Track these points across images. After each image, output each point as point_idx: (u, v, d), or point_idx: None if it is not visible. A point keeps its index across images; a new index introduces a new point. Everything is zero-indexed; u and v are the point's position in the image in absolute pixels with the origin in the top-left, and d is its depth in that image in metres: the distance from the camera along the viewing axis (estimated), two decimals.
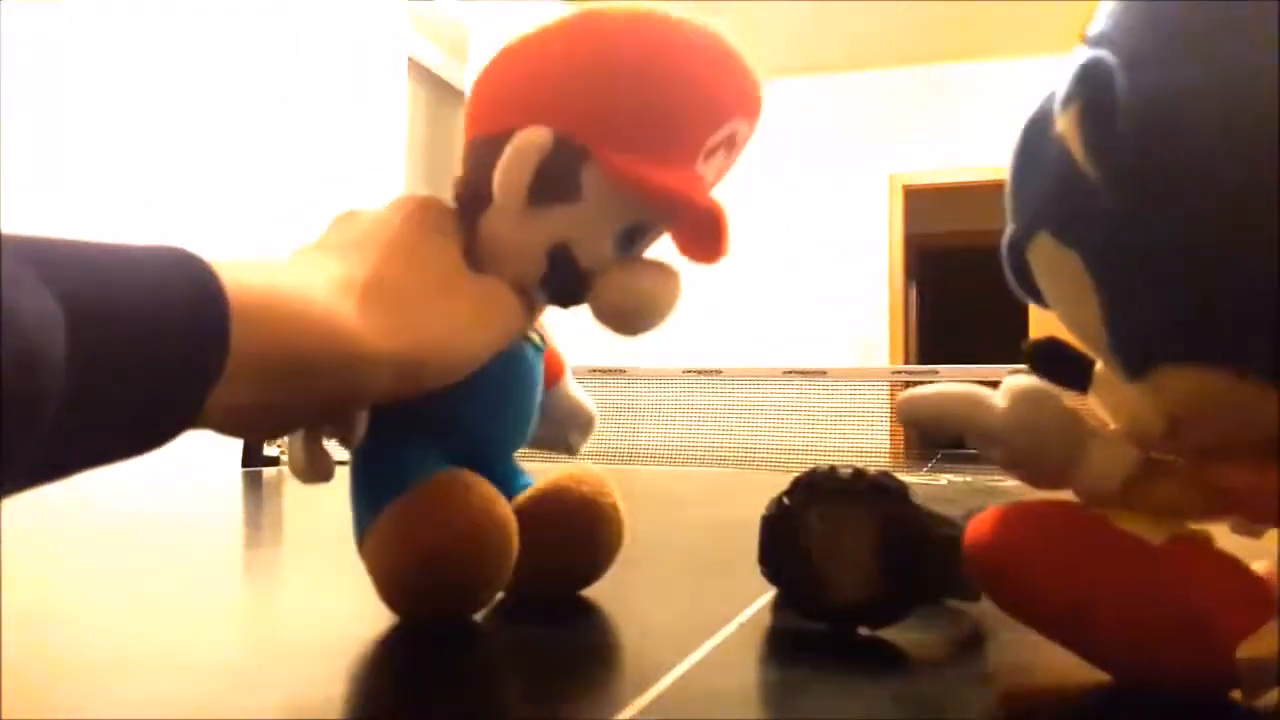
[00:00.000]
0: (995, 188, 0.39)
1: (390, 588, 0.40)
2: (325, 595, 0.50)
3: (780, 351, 5.02)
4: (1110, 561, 0.34)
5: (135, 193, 2.69)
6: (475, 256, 0.38)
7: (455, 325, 0.35)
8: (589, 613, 0.45)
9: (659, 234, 0.40)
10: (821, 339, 5.18)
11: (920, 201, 5.38)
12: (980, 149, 4.92)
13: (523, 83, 0.38)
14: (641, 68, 0.36)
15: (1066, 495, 0.37)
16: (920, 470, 2.04)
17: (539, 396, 0.47)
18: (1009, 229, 0.35)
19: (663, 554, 0.66)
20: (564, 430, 0.53)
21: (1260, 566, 0.35)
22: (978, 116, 5.01)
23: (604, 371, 3.53)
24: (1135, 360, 0.32)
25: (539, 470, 0.49)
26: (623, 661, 0.39)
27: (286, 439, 0.39)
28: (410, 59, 4.23)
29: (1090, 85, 0.29)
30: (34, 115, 2.40)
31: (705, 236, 0.37)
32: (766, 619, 0.44)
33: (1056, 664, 0.35)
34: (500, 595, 0.42)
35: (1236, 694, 0.31)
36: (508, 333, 0.38)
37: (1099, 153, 0.29)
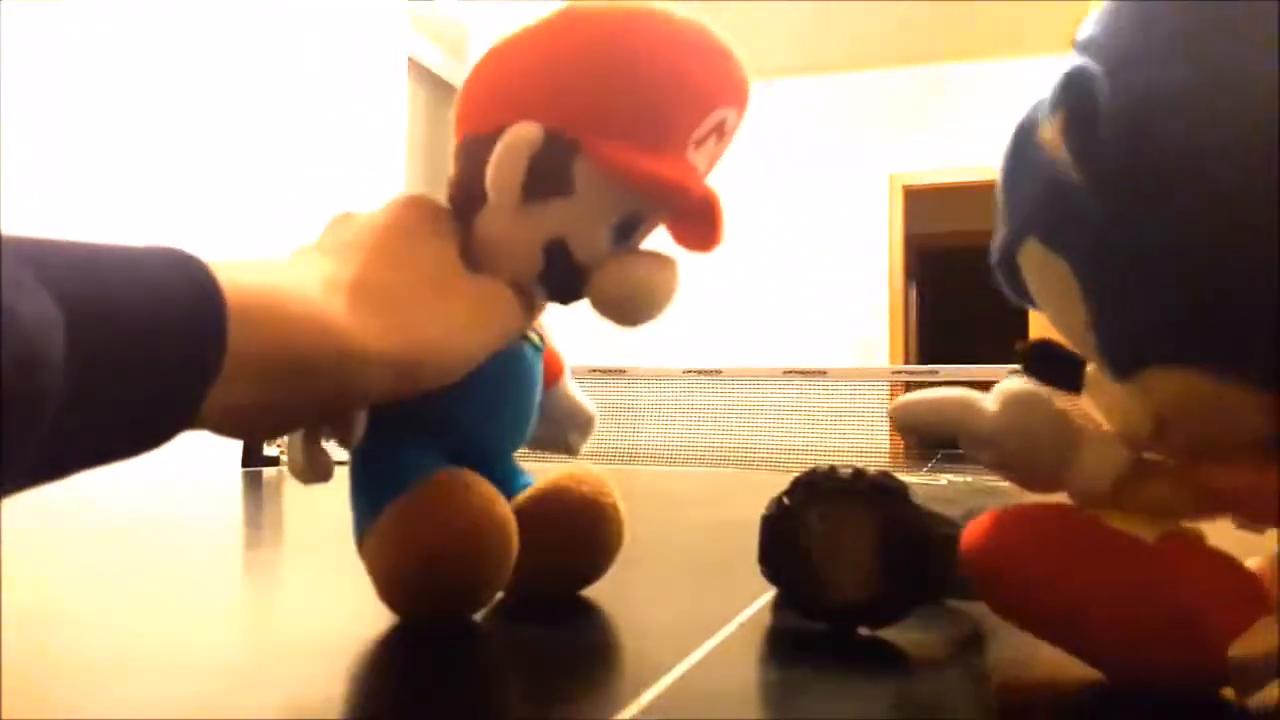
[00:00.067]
0: (995, 188, 0.39)
1: (390, 588, 0.40)
2: (325, 595, 0.50)
3: (780, 351, 5.02)
4: (1103, 562, 0.34)
5: (135, 193, 2.69)
6: (471, 256, 0.38)
7: (452, 325, 0.35)
8: (589, 613, 0.45)
9: (654, 225, 0.40)
10: (821, 339, 5.18)
11: (920, 201, 5.38)
12: (980, 149, 4.92)
13: (511, 80, 0.38)
14: (628, 59, 0.37)
15: (1061, 498, 0.37)
16: (920, 470, 2.04)
17: (538, 396, 0.47)
18: (999, 234, 0.36)
19: (663, 554, 0.66)
20: (563, 430, 0.53)
21: (1254, 563, 0.35)
22: (978, 116, 5.01)
23: (604, 371, 3.53)
24: (1122, 362, 0.33)
25: (539, 470, 0.49)
26: (623, 661, 0.39)
27: (286, 439, 0.39)
28: (410, 59, 4.23)
29: (1074, 94, 0.30)
30: (34, 115, 2.40)
31: (700, 225, 0.37)
32: (766, 619, 0.44)
33: (1056, 663, 0.35)
34: (500, 595, 0.42)
35: (1229, 692, 0.31)
36: (504, 333, 0.38)
37: (1084, 159, 0.30)
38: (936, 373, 3.44)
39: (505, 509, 0.40)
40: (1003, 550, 0.36)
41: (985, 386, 0.38)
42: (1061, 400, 0.36)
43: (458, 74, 4.60)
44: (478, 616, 0.42)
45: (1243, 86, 0.27)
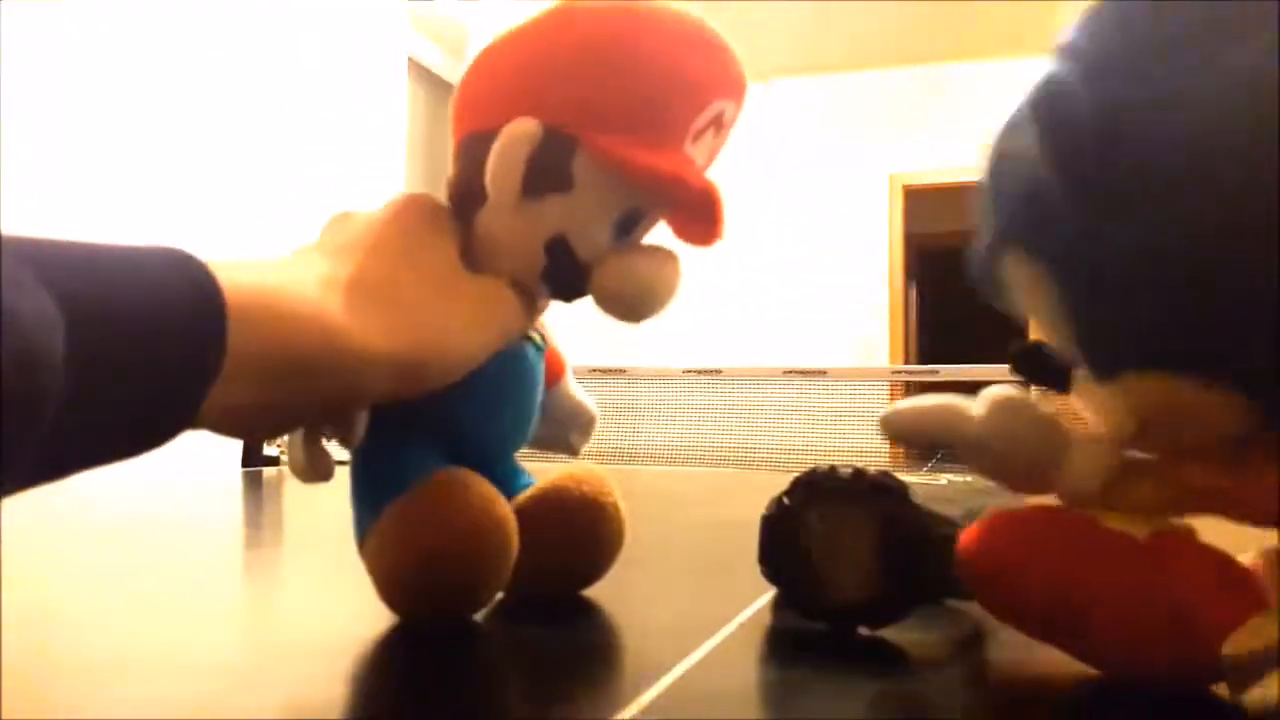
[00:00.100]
0: (977, 192, 0.39)
1: (390, 588, 0.40)
2: (325, 595, 0.50)
3: (780, 351, 5.03)
4: (1098, 561, 0.34)
5: (135, 193, 2.69)
6: (473, 255, 0.38)
7: (453, 325, 0.35)
8: (589, 613, 0.45)
9: (655, 220, 0.40)
10: (821, 339, 5.18)
11: (920, 201, 5.38)
12: (980, 149, 4.92)
13: (508, 77, 0.38)
14: (624, 53, 0.37)
15: (1053, 499, 0.37)
16: (920, 470, 2.04)
17: (539, 396, 0.47)
18: (981, 241, 0.36)
19: (663, 554, 0.66)
20: (564, 430, 0.53)
21: (1247, 558, 0.35)
22: (978, 116, 4.99)
23: (604, 371, 3.53)
24: (1102, 366, 0.33)
25: (539, 470, 0.49)
26: (623, 661, 0.39)
27: (286, 439, 0.39)
28: (410, 59, 4.23)
29: (1049, 104, 0.30)
30: (34, 115, 2.40)
31: (701, 219, 0.37)
32: (766, 619, 0.44)
33: (1055, 663, 0.35)
34: (500, 595, 0.42)
35: (1223, 689, 0.31)
36: (505, 332, 0.38)
37: (1061, 168, 0.30)
38: (936, 373, 3.44)
39: (505, 509, 0.40)
40: (999, 552, 0.36)
41: (984, 386, 0.38)
42: (1054, 402, 0.37)
43: (458, 74, 4.56)
44: (478, 616, 0.42)
45: (1218, 95, 0.27)
